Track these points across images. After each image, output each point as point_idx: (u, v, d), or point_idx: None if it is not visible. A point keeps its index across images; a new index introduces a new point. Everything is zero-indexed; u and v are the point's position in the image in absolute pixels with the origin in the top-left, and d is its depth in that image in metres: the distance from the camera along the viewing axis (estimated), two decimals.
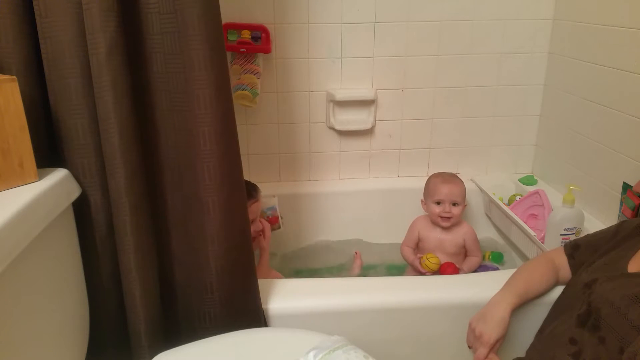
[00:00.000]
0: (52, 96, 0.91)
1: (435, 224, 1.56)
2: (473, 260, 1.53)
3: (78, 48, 0.88)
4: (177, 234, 1.02)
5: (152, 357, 0.91)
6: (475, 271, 1.53)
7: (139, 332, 1.00)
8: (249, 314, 1.08)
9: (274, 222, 1.54)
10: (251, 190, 1.37)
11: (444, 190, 1.52)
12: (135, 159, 0.93)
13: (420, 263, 1.48)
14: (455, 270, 1.44)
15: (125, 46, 0.88)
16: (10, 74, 0.86)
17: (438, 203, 1.53)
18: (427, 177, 1.63)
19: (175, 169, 0.99)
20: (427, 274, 1.46)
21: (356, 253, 1.67)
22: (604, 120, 1.41)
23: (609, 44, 1.38)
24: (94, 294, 1.01)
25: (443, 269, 1.45)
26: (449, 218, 1.51)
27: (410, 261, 1.55)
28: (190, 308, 1.06)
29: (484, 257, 1.62)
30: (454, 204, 1.52)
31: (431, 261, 1.46)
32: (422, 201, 1.60)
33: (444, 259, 1.50)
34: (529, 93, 1.73)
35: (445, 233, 1.55)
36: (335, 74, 1.67)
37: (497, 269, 1.56)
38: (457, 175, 1.63)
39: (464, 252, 1.55)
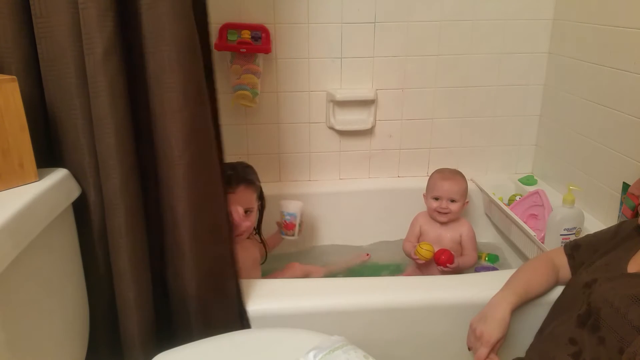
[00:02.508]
0: (48, 96, 0.90)
1: (433, 218, 1.57)
2: (467, 259, 1.52)
3: (74, 48, 0.87)
4: (167, 236, 1.01)
5: (146, 359, 0.91)
6: (473, 272, 1.52)
7: (133, 335, 0.99)
8: (228, 317, 1.07)
9: (288, 227, 1.52)
10: (237, 175, 1.31)
11: (442, 187, 1.53)
12: (131, 160, 0.92)
13: (414, 252, 1.48)
14: (450, 257, 1.43)
15: (122, 47, 0.87)
16: (9, 73, 0.86)
17: (436, 199, 1.54)
18: (428, 177, 1.63)
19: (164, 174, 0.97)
20: (419, 261, 1.47)
21: (367, 254, 1.68)
22: (604, 120, 1.41)
23: (609, 44, 1.38)
24: (93, 294, 1.01)
25: (437, 255, 1.45)
26: (445, 213, 1.53)
27: (408, 253, 1.56)
28: (179, 310, 1.05)
29: (480, 258, 1.63)
30: (452, 201, 1.52)
31: (424, 248, 1.46)
32: (424, 195, 1.61)
33: None
34: (528, 93, 1.74)
35: (443, 229, 1.56)
36: (335, 74, 1.67)
37: (495, 269, 1.57)
38: (459, 171, 1.61)
39: (460, 249, 1.55)
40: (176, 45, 0.87)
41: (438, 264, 1.44)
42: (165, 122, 0.92)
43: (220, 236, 1.04)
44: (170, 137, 0.92)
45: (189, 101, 0.91)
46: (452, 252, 1.46)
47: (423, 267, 1.52)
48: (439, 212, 1.54)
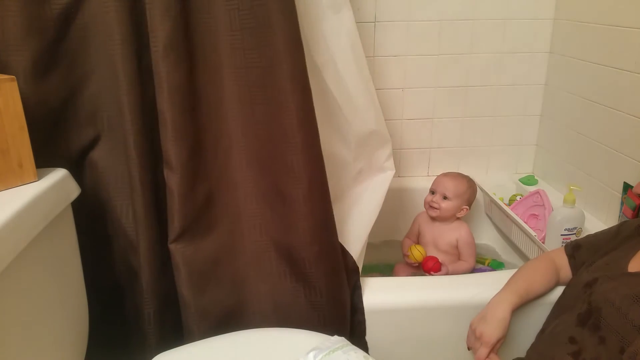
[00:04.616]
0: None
1: (427, 213, 1.57)
2: (461, 265, 1.50)
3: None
4: (259, 226, 1.04)
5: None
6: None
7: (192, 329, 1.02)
8: (339, 299, 1.08)
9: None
10: None
11: (439, 181, 1.54)
12: (186, 151, 0.95)
13: (407, 250, 1.48)
14: (437, 265, 1.42)
15: (186, 43, 0.91)
16: (16, 71, 0.86)
17: (432, 192, 1.55)
18: (428, 177, 1.63)
19: (257, 162, 1.00)
20: (409, 261, 1.48)
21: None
22: (604, 120, 1.41)
23: (610, 43, 1.38)
24: (92, 294, 1.01)
25: (424, 261, 1.44)
26: (436, 209, 1.52)
27: (403, 251, 1.56)
28: (265, 300, 1.07)
29: (483, 263, 1.62)
30: (445, 198, 1.52)
31: (418, 250, 1.46)
32: None
33: (435, 255, 1.48)
34: (529, 93, 1.73)
35: (440, 230, 1.54)
36: None
37: (493, 270, 1.56)
38: (469, 177, 1.59)
39: (457, 254, 1.54)
40: (289, 36, 0.91)
41: (424, 269, 1.44)
42: (280, 109, 0.95)
43: (331, 217, 1.06)
44: (281, 125, 0.96)
45: (297, 91, 0.95)
46: (442, 260, 1.46)
47: (413, 267, 1.51)
48: (430, 206, 1.54)
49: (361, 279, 1.17)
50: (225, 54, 0.94)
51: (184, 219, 0.98)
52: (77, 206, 0.94)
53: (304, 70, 0.95)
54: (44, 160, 0.91)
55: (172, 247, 0.99)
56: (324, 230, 1.04)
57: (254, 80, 0.95)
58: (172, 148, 0.94)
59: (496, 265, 1.63)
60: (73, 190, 0.92)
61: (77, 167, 0.99)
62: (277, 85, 0.94)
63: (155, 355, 0.91)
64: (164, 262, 1.01)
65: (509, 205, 1.62)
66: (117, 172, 0.99)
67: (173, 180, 0.95)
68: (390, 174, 1.27)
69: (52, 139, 0.95)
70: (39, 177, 0.85)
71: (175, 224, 0.98)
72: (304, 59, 0.95)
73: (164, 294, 1.02)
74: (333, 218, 1.06)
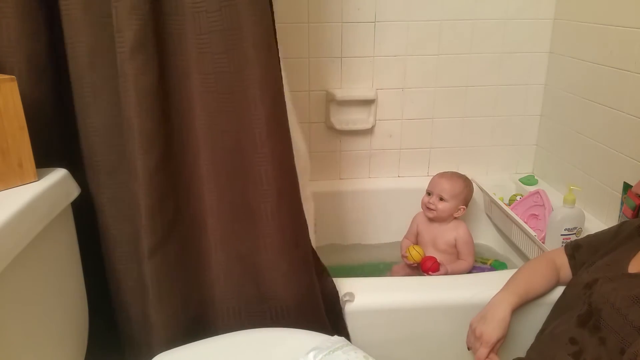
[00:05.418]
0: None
1: (424, 214, 1.57)
2: (461, 264, 1.50)
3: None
4: (223, 241, 0.98)
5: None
6: (470, 272, 1.52)
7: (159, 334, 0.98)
8: (312, 320, 1.04)
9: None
10: None
11: (435, 182, 1.55)
12: (154, 161, 0.90)
13: (405, 251, 1.49)
14: (435, 265, 1.42)
15: (155, 45, 0.86)
16: (12, 72, 0.86)
17: (429, 194, 1.55)
18: (428, 177, 1.62)
19: (223, 174, 0.94)
20: (407, 262, 1.48)
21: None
22: (604, 120, 1.41)
23: (610, 43, 1.38)
24: (92, 294, 1.00)
25: (423, 261, 1.45)
26: (432, 210, 1.52)
27: (402, 251, 1.56)
28: (233, 319, 1.03)
29: (485, 263, 1.62)
30: (441, 199, 1.52)
31: (416, 250, 1.46)
32: None
33: (434, 255, 1.49)
34: (529, 93, 1.73)
35: (438, 230, 1.55)
36: (335, 73, 1.66)
37: (493, 269, 1.56)
38: (464, 177, 1.59)
39: (456, 253, 1.54)
40: (255, 40, 0.86)
41: (422, 270, 1.44)
42: (248, 117, 0.90)
43: (304, 233, 1.01)
44: (250, 134, 0.91)
45: (267, 98, 0.90)
46: (441, 260, 1.46)
47: (411, 268, 1.51)
48: (427, 208, 1.54)
49: (359, 279, 1.17)
50: (193, 59, 0.88)
51: (153, 235, 0.92)
52: (77, 206, 0.94)
53: (277, 76, 0.90)
54: (44, 160, 0.91)
55: (144, 265, 0.93)
56: (294, 248, 0.98)
57: (222, 86, 0.89)
58: (139, 158, 0.87)
59: (498, 265, 1.63)
60: (73, 190, 0.91)
61: (76, 167, 0.99)
62: (246, 91, 0.88)
63: (155, 355, 0.91)
64: None
65: (509, 205, 1.62)
66: None
67: (140, 193, 0.89)
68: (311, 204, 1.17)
69: (50, 139, 0.95)
70: (39, 177, 0.85)
71: (144, 242, 0.91)
72: (278, 65, 0.90)
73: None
74: (306, 234, 1.01)
